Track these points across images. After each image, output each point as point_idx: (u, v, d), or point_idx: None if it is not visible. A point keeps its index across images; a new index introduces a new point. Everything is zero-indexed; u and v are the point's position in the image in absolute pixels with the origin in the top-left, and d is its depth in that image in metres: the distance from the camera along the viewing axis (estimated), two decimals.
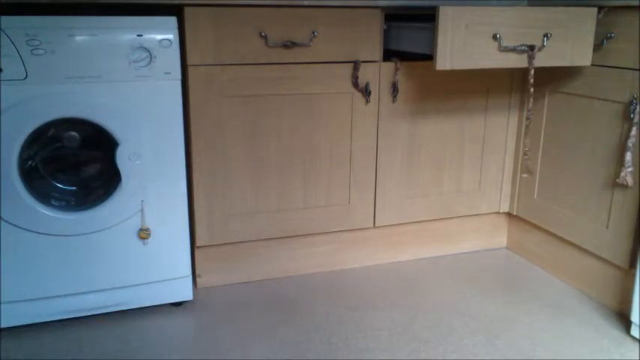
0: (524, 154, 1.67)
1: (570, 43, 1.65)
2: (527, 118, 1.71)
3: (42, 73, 1.43)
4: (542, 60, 1.63)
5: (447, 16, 1.52)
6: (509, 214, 2.19)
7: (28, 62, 1.42)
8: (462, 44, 1.56)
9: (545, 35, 1.62)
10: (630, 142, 1.61)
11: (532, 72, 1.63)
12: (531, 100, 1.70)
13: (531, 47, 1.61)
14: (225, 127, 1.73)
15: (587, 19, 1.64)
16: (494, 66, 1.60)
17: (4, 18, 1.39)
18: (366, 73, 1.83)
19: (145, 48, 1.50)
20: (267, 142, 1.79)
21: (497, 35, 1.57)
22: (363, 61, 1.81)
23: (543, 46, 1.62)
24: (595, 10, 1.64)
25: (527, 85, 1.68)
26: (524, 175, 1.73)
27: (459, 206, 2.08)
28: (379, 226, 2.02)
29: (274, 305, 1.78)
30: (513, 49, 1.60)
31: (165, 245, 1.65)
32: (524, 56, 1.62)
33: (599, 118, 1.74)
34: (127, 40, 1.48)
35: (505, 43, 1.59)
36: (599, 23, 1.68)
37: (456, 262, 2.10)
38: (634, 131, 1.60)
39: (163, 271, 1.67)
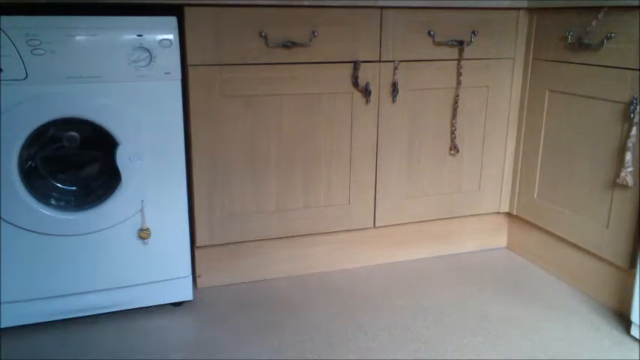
0: None
1: None
2: None
3: (42, 73, 1.43)
4: None
5: None
6: (509, 214, 2.19)
7: (28, 62, 1.42)
8: None
9: None
10: (630, 142, 1.61)
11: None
12: None
13: None
14: (225, 127, 1.73)
15: None
16: None
17: (4, 18, 1.39)
18: (366, 73, 1.83)
19: (145, 48, 1.50)
20: (267, 142, 1.79)
21: None
22: (363, 61, 1.81)
23: None
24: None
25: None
26: None
27: (459, 206, 2.07)
28: (379, 226, 2.02)
29: (274, 305, 1.78)
30: None
31: (166, 245, 1.65)
32: None
33: (599, 118, 1.74)
34: (127, 40, 1.48)
35: None
36: (599, 23, 1.68)
37: (456, 262, 2.10)
38: (634, 131, 1.60)
39: (163, 271, 1.67)
